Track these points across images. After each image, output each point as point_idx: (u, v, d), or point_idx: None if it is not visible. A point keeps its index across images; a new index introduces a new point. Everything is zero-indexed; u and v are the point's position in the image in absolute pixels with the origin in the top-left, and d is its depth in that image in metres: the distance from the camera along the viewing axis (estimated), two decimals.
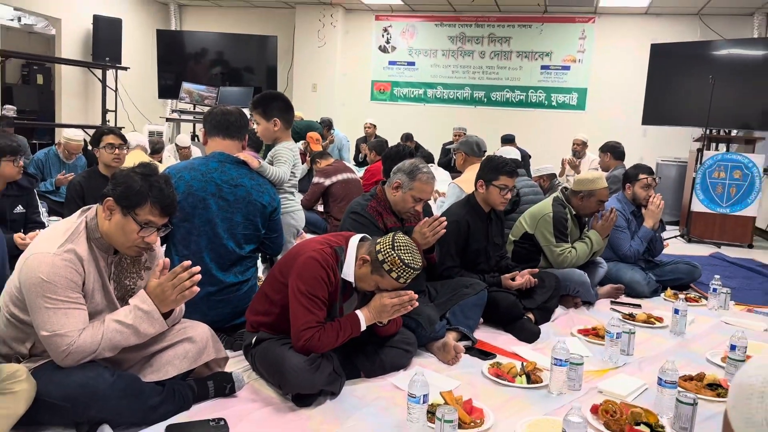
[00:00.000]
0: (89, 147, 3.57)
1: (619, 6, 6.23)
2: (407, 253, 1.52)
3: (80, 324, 1.29)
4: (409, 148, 3.42)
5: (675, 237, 4.98)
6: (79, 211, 1.40)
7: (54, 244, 1.29)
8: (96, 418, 1.33)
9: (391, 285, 1.56)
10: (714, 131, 5.29)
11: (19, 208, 2.40)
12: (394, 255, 1.49)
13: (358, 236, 1.66)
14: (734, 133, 5.40)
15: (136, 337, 1.36)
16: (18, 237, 1.97)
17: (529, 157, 5.25)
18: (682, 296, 2.85)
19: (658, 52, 5.72)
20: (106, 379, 1.32)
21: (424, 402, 1.35)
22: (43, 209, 2.95)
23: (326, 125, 5.63)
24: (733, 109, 5.15)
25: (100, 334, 1.30)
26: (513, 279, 2.43)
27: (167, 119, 6.47)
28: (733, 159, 4.85)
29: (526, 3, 6.26)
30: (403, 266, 1.50)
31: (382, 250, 1.52)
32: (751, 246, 4.78)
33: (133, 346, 1.39)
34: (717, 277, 3.06)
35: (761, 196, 4.71)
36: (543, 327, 2.41)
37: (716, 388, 1.79)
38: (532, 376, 1.78)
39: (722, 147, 5.35)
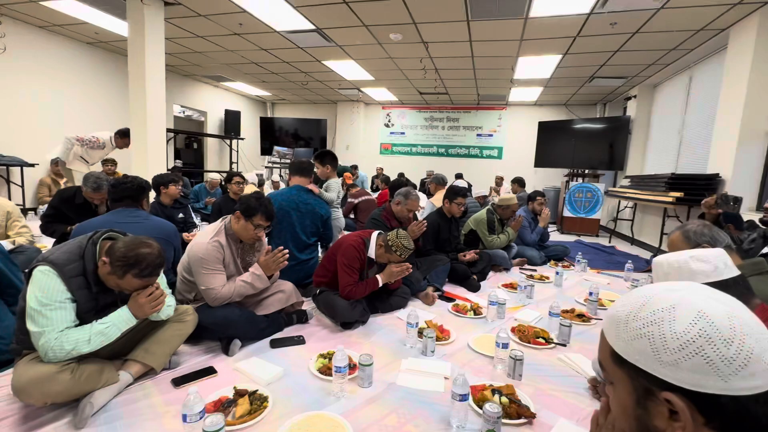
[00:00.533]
0: (223, 183, 5.80)
1: (520, 100, 9.26)
2: (405, 240, 2.34)
3: (222, 282, 1.98)
4: (404, 180, 5.24)
5: (554, 231, 7.16)
6: (219, 219, 2.10)
7: (207, 237, 1.99)
8: (231, 335, 1.98)
9: (396, 259, 2.37)
10: (575, 170, 7.74)
11: (181, 215, 3.41)
12: (398, 241, 2.33)
13: (377, 232, 2.45)
14: (587, 171, 7.76)
15: (253, 290, 2.06)
16: (185, 235, 2.79)
17: (471, 186, 7.30)
18: (560, 264, 4.14)
19: (543, 126, 8.54)
20: (236, 313, 2.00)
21: (416, 326, 2.12)
22: (198, 218, 4.56)
23: (354, 168, 8.48)
24: (585, 157, 7.79)
25: (233, 288, 2.00)
26: (465, 256, 3.45)
27: (265, 167, 9.49)
28: (586, 186, 7.21)
29: (467, 98, 9.35)
30: (403, 248, 2.33)
31: (391, 239, 2.34)
32: (597, 235, 7.04)
33: (251, 294, 2.11)
34: (580, 253, 4.44)
35: (602, 207, 7.05)
36: (482, 283, 3.39)
37: (582, 317, 2.67)
38: (476, 311, 2.66)
39: (579, 179, 7.66)
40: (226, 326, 1.98)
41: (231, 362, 1.89)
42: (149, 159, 4.89)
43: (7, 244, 2.37)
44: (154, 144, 4.94)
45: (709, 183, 4.47)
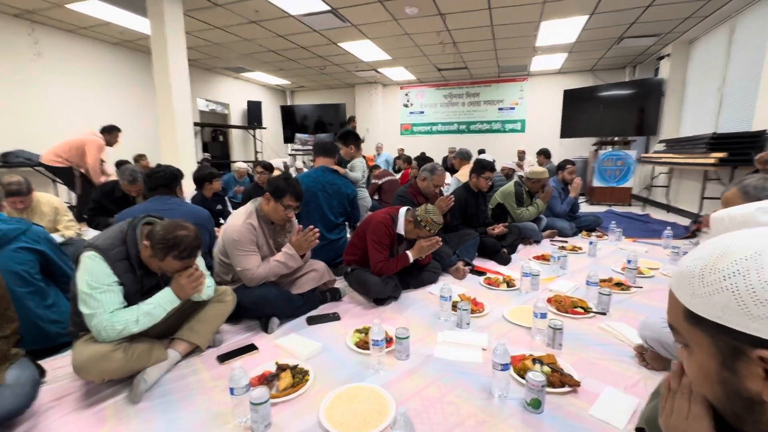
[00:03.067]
0: (250, 171, 6.12)
1: (542, 69, 8.86)
2: (434, 215, 2.31)
3: (257, 263, 2.02)
4: (428, 158, 5.40)
5: (583, 202, 6.94)
6: (250, 202, 2.14)
7: (240, 220, 2.03)
8: (269, 313, 2.04)
9: (425, 234, 2.34)
10: (604, 138, 7.46)
11: (219, 206, 3.65)
12: (427, 216, 2.30)
13: (405, 208, 2.43)
14: (616, 138, 7.35)
15: (287, 269, 2.11)
16: (217, 231, 2.86)
17: (494, 161, 6.79)
18: (593, 235, 4.01)
19: (568, 94, 8.07)
20: (273, 292, 2.06)
21: (449, 299, 2.11)
22: (229, 205, 4.67)
23: (379, 146, 9.22)
24: (614, 124, 7.42)
25: (268, 268, 2.04)
26: (493, 229, 3.40)
27: (289, 154, 9.85)
28: (616, 154, 6.89)
29: (487, 71, 9.08)
30: (432, 222, 2.30)
31: (419, 214, 2.31)
32: (630, 204, 6.76)
33: (286, 274, 2.15)
34: (613, 222, 4.22)
35: (633, 175, 6.77)
36: (513, 256, 3.33)
37: (620, 286, 2.56)
38: (510, 283, 2.63)
39: (609, 148, 7.25)
40: (264, 305, 2.04)
41: (271, 339, 1.94)
42: (179, 154, 5.03)
43: (57, 237, 2.51)
44: (182, 139, 5.08)
45: (756, 140, 4.15)
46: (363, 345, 1.80)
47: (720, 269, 0.46)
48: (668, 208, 6.18)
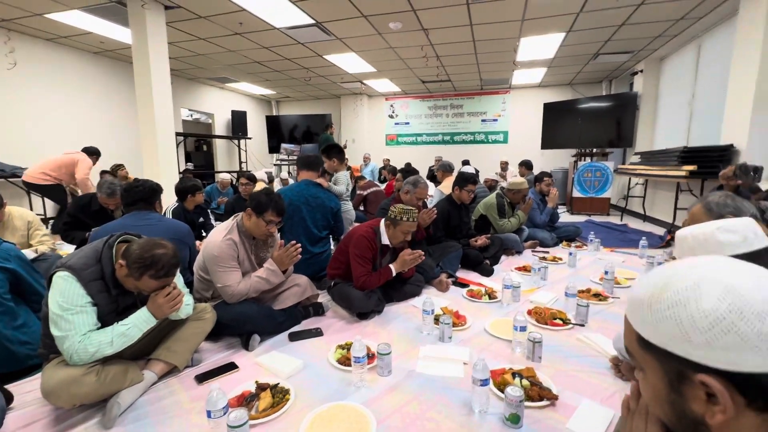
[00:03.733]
0: (233, 182, 6.02)
1: (523, 83, 9.15)
2: (404, 207, 2.36)
3: (237, 279, 2.00)
4: (413, 168, 5.50)
5: (564, 212, 7.16)
6: (231, 217, 2.12)
7: (220, 236, 2.00)
8: (249, 330, 1.99)
9: (408, 226, 2.32)
10: (583, 150, 7.71)
11: (201, 219, 3.56)
12: (398, 208, 2.33)
13: (384, 218, 2.47)
14: (594, 150, 7.59)
15: (268, 285, 2.08)
16: (198, 244, 2.75)
17: (478, 172, 7.33)
18: (572, 245, 4.10)
19: (548, 107, 8.34)
20: (254, 309, 2.03)
21: (431, 313, 2.10)
22: (212, 217, 4.65)
23: (366, 157, 9.22)
24: (592, 136, 7.70)
25: (249, 284, 2.01)
26: (476, 241, 3.44)
27: (274, 164, 9.81)
28: (595, 165, 7.13)
29: (470, 84, 9.24)
30: (405, 210, 2.32)
31: (393, 212, 2.35)
32: (608, 214, 6.98)
33: (267, 290, 2.12)
34: (592, 233, 4.35)
35: (611, 185, 7.01)
36: (495, 267, 3.38)
37: (598, 296, 2.62)
38: (491, 295, 2.64)
39: (587, 159, 7.59)
40: (245, 322, 2.00)
41: (251, 357, 1.91)
42: (160, 163, 4.96)
43: (29, 253, 2.42)
44: (164, 148, 5.01)
45: (724, 154, 4.35)
46: (345, 361, 1.79)
47: (664, 299, 0.48)
48: (644, 218, 6.39)
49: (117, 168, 6.16)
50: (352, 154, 10.18)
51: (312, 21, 5.14)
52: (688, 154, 4.68)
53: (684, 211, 4.96)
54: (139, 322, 1.49)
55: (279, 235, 2.33)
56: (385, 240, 2.40)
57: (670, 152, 5.25)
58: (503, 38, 5.90)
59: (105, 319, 1.48)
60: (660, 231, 5.27)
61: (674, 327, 0.47)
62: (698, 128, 5.63)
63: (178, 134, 7.30)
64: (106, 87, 6.88)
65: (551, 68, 7.70)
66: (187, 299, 1.74)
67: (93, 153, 4.92)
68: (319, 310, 2.38)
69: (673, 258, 2.19)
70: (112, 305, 1.50)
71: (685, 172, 4.51)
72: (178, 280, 1.74)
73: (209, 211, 4.98)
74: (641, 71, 7.22)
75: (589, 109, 7.84)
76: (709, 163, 4.37)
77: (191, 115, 9.78)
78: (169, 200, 3.82)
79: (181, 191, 3.51)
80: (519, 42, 6.04)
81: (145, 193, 2.22)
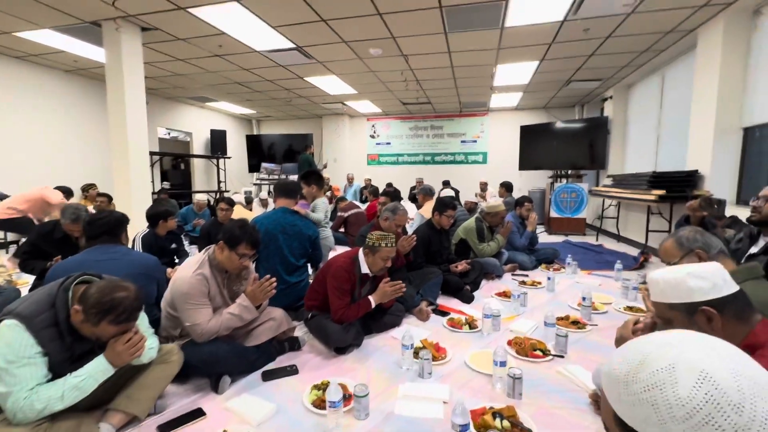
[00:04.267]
0: (210, 203, 5.83)
1: (501, 106, 9.40)
2: (381, 233, 2.34)
3: (208, 317, 1.89)
4: (395, 189, 5.82)
5: (542, 232, 7.15)
6: (203, 250, 2.03)
7: (190, 270, 1.91)
8: (220, 372, 1.88)
9: (387, 252, 2.29)
10: (559, 171, 8.09)
11: (174, 245, 3.38)
12: (376, 235, 2.31)
13: (362, 247, 2.43)
14: (570, 172, 8.01)
15: (240, 322, 1.97)
16: (168, 272, 2.70)
17: (458, 192, 7.55)
18: (551, 268, 4.16)
19: (525, 130, 8.69)
20: (224, 348, 1.91)
21: (411, 348, 2.06)
22: (186, 241, 4.52)
23: (350, 177, 9.49)
24: (567, 158, 8.02)
25: (220, 322, 1.91)
26: (456, 267, 3.43)
27: (254, 184, 9.62)
28: (570, 187, 7.39)
29: (450, 106, 9.44)
30: (383, 236, 2.30)
31: (370, 240, 2.32)
32: (584, 234, 7.16)
33: (239, 326, 2.03)
34: (570, 255, 4.42)
35: (587, 206, 7.23)
36: (476, 293, 3.37)
37: (577, 324, 2.63)
38: (471, 324, 2.62)
39: (563, 180, 7.96)
40: (214, 363, 1.89)
41: (221, 401, 1.80)
42: (132, 184, 4.79)
43: None
44: (137, 168, 4.85)
45: (690, 179, 4.55)
46: (320, 404, 1.71)
47: (640, 380, 0.47)
48: (618, 238, 6.57)
49: (88, 187, 5.93)
50: (333, 174, 10.18)
51: (293, 45, 5.18)
52: (657, 179, 4.87)
53: (655, 234, 5.14)
54: (94, 373, 1.38)
55: (255, 264, 2.24)
56: (364, 269, 2.36)
57: (641, 176, 5.46)
58: (480, 65, 6.09)
59: (58, 369, 1.36)
60: (634, 251, 5.41)
61: (650, 411, 0.45)
62: (665, 153, 5.89)
63: (153, 153, 7.13)
64: (78, 105, 6.69)
65: (527, 93, 7.97)
66: (151, 342, 1.63)
67: (66, 192, 4.91)
68: (295, 345, 2.28)
69: (644, 283, 2.21)
70: (66, 354, 1.38)
71: (654, 196, 4.68)
72: (142, 320, 1.64)
73: (183, 235, 4.81)
74: (611, 97, 7.57)
75: (563, 131, 8.16)
76: (677, 188, 4.55)
77: (168, 133, 9.58)
78: (140, 226, 3.67)
79: (153, 216, 3.37)
80: (495, 68, 6.25)
81: (110, 226, 2.11)
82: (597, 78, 6.84)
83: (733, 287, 1.01)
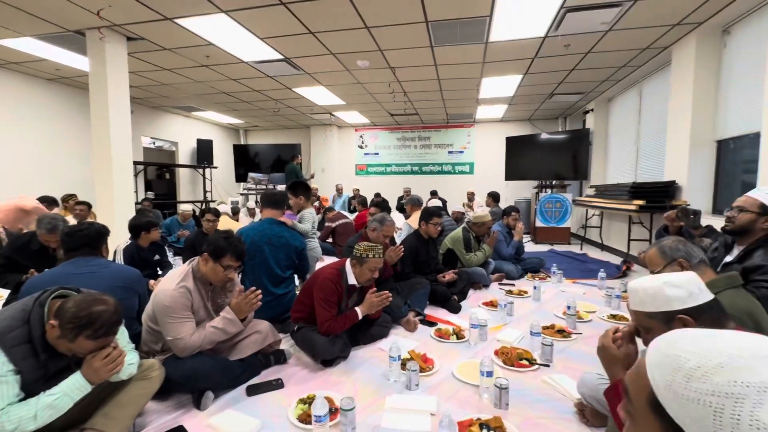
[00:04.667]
0: (196, 213, 5.81)
1: (487, 117, 9.53)
2: (368, 244, 2.34)
3: (190, 331, 1.85)
4: (383, 199, 5.87)
5: (528, 241, 7.39)
6: (187, 262, 2.00)
7: (173, 283, 1.87)
8: (203, 388, 1.84)
9: (375, 263, 2.29)
10: (543, 182, 8.21)
11: (157, 256, 3.30)
12: (363, 246, 2.31)
13: (349, 258, 2.43)
14: (554, 182, 8.15)
15: (225, 335, 1.94)
16: (151, 283, 2.67)
17: (446, 202, 7.65)
18: (536, 277, 4.23)
19: (510, 141, 8.86)
20: (207, 363, 1.87)
21: (398, 359, 2.05)
22: (170, 252, 4.40)
23: (339, 188, 9.45)
24: (552, 169, 8.17)
25: (203, 335, 1.87)
26: (444, 277, 3.45)
27: (240, 194, 9.74)
28: (555, 197, 7.52)
29: (437, 117, 9.56)
30: (370, 247, 2.31)
31: (358, 251, 2.32)
32: (569, 243, 7.30)
33: (224, 339, 1.99)
34: (555, 264, 4.49)
35: (571, 216, 7.38)
36: (463, 303, 3.38)
37: (562, 333, 2.65)
38: (459, 335, 2.62)
39: (548, 190, 8.07)
40: (197, 378, 1.85)
41: (203, 417, 1.76)
42: (115, 193, 4.69)
43: None
44: (120, 178, 4.75)
45: (668, 190, 4.69)
46: (306, 418, 1.68)
47: (713, 382, 0.41)
48: (602, 247, 6.71)
49: (68, 198, 5.78)
50: (321, 184, 10.16)
51: (281, 56, 5.20)
52: (637, 189, 5.01)
53: (637, 242, 5.26)
54: (70, 390, 1.33)
55: (240, 278, 2.21)
56: (351, 280, 2.35)
57: (622, 186, 5.60)
58: (466, 78, 6.21)
59: (31, 388, 1.31)
60: (617, 260, 5.52)
61: (709, 416, 0.40)
62: (644, 164, 6.07)
63: (137, 163, 7.02)
64: (59, 114, 6.55)
65: (512, 105, 8.15)
66: (131, 357, 1.58)
67: (50, 202, 4.72)
68: (280, 358, 2.24)
69: (626, 292, 2.25)
70: (40, 371, 1.33)
71: (635, 206, 4.81)
72: (122, 335, 1.59)
73: (167, 246, 4.71)
74: (592, 110, 7.80)
75: (547, 142, 8.36)
76: (656, 198, 4.69)
77: (153, 143, 9.43)
78: (122, 238, 3.59)
79: (135, 227, 3.30)
80: (481, 81, 6.38)
81: (90, 238, 2.06)
82: (578, 91, 7.04)
83: (708, 296, 1.04)
